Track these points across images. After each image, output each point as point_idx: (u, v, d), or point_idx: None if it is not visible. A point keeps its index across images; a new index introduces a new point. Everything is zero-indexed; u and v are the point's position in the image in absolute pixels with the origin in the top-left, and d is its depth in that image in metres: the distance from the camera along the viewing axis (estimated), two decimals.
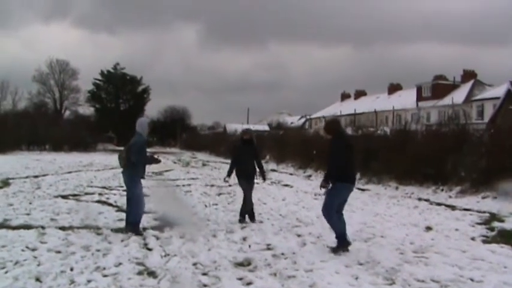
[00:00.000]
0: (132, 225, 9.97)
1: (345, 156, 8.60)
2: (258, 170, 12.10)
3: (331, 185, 8.71)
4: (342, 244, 8.61)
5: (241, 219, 11.73)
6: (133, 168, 9.97)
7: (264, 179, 12.55)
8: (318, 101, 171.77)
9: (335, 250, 8.54)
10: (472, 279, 7.07)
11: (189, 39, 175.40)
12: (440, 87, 59.47)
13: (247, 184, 11.89)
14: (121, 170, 10.60)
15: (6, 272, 6.84)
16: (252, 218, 11.82)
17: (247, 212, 11.87)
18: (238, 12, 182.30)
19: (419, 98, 61.29)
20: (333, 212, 8.71)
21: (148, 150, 10.68)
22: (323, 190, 8.89)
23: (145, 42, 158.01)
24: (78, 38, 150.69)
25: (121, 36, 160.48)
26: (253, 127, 63.26)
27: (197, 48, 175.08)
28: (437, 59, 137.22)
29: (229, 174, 12.22)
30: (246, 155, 11.92)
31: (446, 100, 54.13)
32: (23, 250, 8.14)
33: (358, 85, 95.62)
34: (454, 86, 59.98)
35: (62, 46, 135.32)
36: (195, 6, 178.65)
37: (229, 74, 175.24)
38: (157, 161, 10.86)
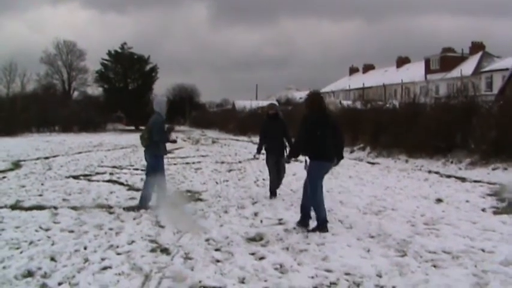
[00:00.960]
0: (144, 199, 10.23)
1: (318, 132, 8.22)
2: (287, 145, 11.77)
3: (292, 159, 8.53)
4: (322, 228, 8.24)
5: (271, 195, 11.72)
6: (156, 147, 10.24)
7: None
8: (328, 75, 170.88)
9: (313, 230, 8.26)
10: (483, 250, 7.09)
11: (199, 16, 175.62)
12: (448, 60, 59.17)
13: (275, 161, 11.66)
14: (140, 148, 10.81)
15: (21, 252, 6.90)
16: (273, 194, 11.77)
17: (275, 188, 11.83)
18: None
19: (428, 70, 61.00)
20: (319, 193, 8.44)
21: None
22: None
23: (155, 20, 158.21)
24: (87, 18, 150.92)
25: (130, 15, 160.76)
26: (261, 103, 63.33)
27: (207, 26, 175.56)
28: (445, 31, 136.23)
29: (258, 151, 12.14)
30: (273, 131, 11.68)
31: (455, 72, 53.82)
32: (36, 230, 8.20)
33: (367, 59, 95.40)
34: (462, 58, 59.69)
35: (70, 27, 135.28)
36: None
37: (238, 50, 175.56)
38: (174, 141, 11.07)
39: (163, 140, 10.36)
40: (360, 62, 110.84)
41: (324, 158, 8.39)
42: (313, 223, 8.50)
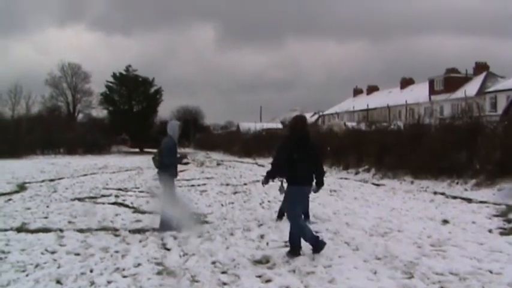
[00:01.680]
0: (165, 223, 10.21)
1: (297, 154, 8.10)
2: None
3: (273, 182, 8.65)
4: (318, 246, 8.19)
5: (278, 218, 11.61)
6: (166, 169, 10.30)
7: None
8: (332, 97, 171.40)
9: (314, 250, 8.20)
10: (490, 272, 7.07)
11: (205, 38, 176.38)
12: (452, 80, 59.24)
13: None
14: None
15: (27, 275, 6.91)
16: (280, 217, 11.63)
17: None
18: (256, 9, 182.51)
19: (432, 91, 61.06)
20: (298, 218, 8.39)
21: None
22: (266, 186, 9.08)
23: (161, 43, 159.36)
24: (92, 40, 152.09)
25: (136, 38, 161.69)
26: (265, 125, 63.43)
27: (213, 48, 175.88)
28: (449, 52, 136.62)
29: None
30: None
31: (459, 93, 53.89)
32: (42, 253, 8.22)
33: (371, 80, 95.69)
34: (466, 79, 59.75)
35: (76, 49, 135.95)
36: (212, 5, 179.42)
37: (242, 72, 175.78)
38: (186, 163, 11.13)
39: (173, 162, 10.46)
40: (364, 83, 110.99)
41: (301, 183, 8.26)
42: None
